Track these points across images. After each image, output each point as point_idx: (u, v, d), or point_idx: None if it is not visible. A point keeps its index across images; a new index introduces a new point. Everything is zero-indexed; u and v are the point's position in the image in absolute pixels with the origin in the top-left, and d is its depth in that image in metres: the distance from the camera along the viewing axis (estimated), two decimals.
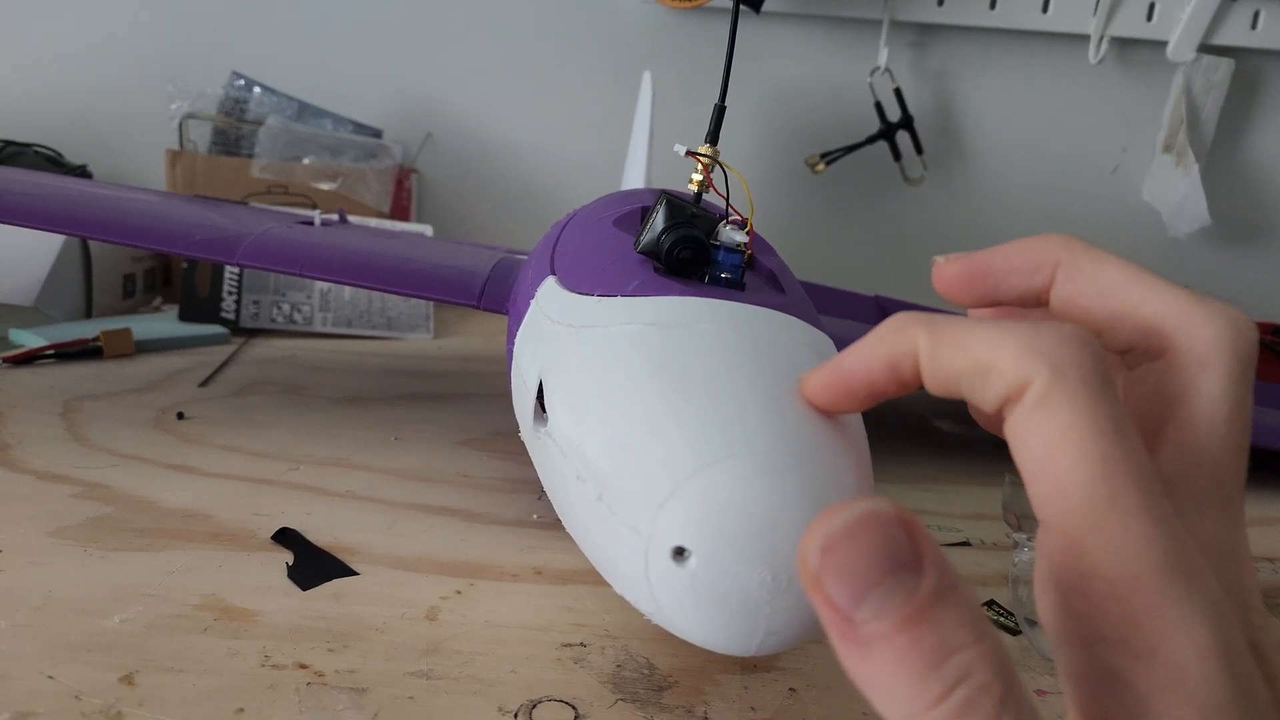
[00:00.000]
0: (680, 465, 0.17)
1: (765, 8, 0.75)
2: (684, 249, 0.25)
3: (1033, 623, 0.29)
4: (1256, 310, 0.84)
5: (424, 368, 0.61)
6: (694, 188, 0.31)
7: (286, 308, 0.69)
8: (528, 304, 0.30)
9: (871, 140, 0.82)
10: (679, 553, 0.17)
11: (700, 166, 0.31)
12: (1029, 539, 0.31)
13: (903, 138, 0.82)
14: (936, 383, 0.15)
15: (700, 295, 0.24)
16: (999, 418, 0.15)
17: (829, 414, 0.19)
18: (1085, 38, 0.80)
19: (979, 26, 0.82)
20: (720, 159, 0.32)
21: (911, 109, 0.82)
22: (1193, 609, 0.13)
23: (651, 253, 0.26)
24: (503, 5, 0.86)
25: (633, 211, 0.34)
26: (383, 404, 0.50)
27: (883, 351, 0.16)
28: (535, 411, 0.25)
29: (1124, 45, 0.82)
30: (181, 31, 0.87)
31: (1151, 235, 0.85)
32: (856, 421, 0.21)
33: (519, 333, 0.31)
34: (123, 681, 0.22)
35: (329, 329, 0.69)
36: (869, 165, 0.84)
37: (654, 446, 0.18)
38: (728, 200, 0.29)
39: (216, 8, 0.87)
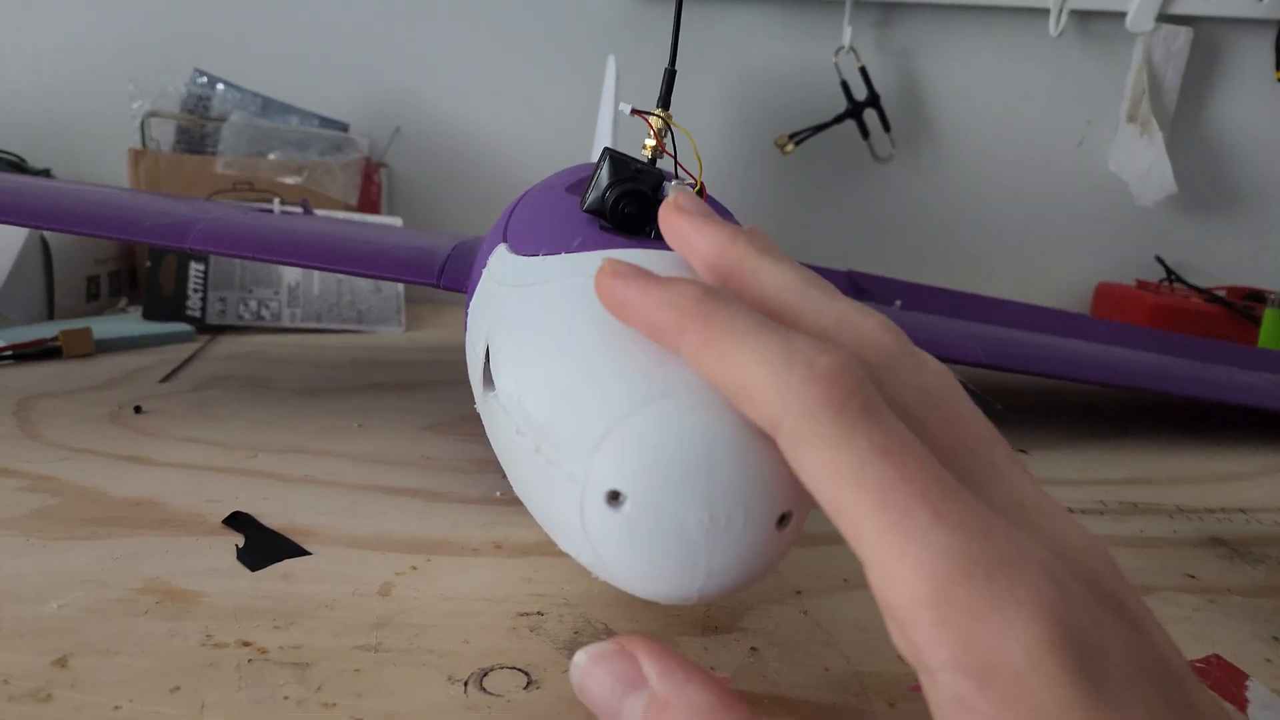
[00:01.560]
0: (614, 407, 0.17)
1: None
2: (628, 203, 0.25)
3: None
4: (1226, 274, 0.85)
5: (393, 358, 0.60)
6: (647, 152, 0.31)
7: (254, 304, 0.68)
8: (481, 274, 0.30)
9: (839, 119, 0.82)
10: (614, 497, 0.16)
11: (650, 129, 0.30)
12: None
13: (870, 116, 0.82)
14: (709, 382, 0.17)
15: (644, 248, 0.23)
16: None
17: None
18: (1045, 11, 0.80)
19: (941, 4, 0.81)
20: (672, 121, 0.31)
21: (878, 87, 0.81)
22: (1016, 607, 0.12)
23: (597, 210, 0.25)
24: None
25: (585, 179, 0.33)
26: (348, 394, 0.50)
27: (660, 320, 0.17)
28: (484, 377, 0.25)
29: (1084, 17, 0.82)
30: (142, 29, 0.86)
31: (1119, 205, 0.85)
32: None
33: (471, 303, 0.30)
34: (56, 664, 0.21)
35: (298, 324, 0.68)
36: (838, 144, 0.84)
37: (589, 391, 0.18)
38: (675, 159, 0.28)
39: (178, 4, 0.86)
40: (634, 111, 0.28)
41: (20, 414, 0.42)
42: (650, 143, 0.31)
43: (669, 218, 0.21)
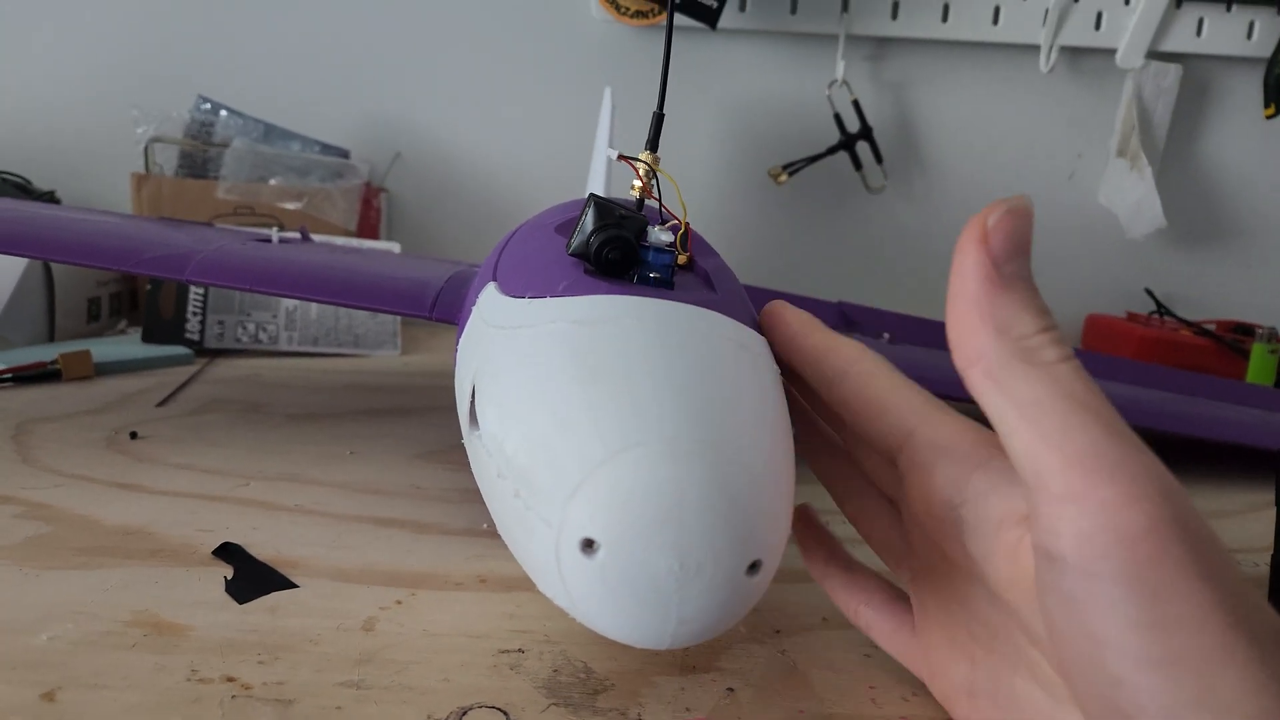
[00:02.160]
0: (589, 455, 0.17)
1: (722, 25, 0.76)
2: (612, 250, 0.25)
3: None
4: (1214, 308, 0.86)
5: (388, 383, 0.61)
6: (635, 193, 0.31)
7: (252, 327, 0.69)
8: (470, 312, 0.31)
9: (832, 151, 0.83)
10: (588, 544, 0.17)
11: (637, 173, 0.31)
12: None
13: (863, 148, 0.83)
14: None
15: (628, 293, 0.24)
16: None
17: (752, 397, 0.19)
18: (1036, 47, 0.81)
19: (933, 39, 0.83)
20: (658, 166, 0.32)
21: (870, 120, 0.83)
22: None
23: (582, 254, 0.26)
24: (469, 25, 0.86)
25: (574, 218, 0.34)
26: (342, 419, 0.50)
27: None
28: (470, 416, 0.25)
29: (1074, 54, 0.84)
30: (147, 56, 0.87)
31: (1109, 237, 0.86)
32: (778, 407, 0.21)
33: (460, 341, 0.31)
34: (44, 698, 0.22)
35: (295, 348, 0.69)
36: (831, 176, 0.85)
37: (566, 439, 0.18)
38: (660, 203, 0.29)
39: (183, 32, 0.87)
40: (620, 157, 0.29)
41: (18, 438, 0.43)
42: (638, 184, 0.31)
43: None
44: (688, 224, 0.31)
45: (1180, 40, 0.81)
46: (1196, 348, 0.75)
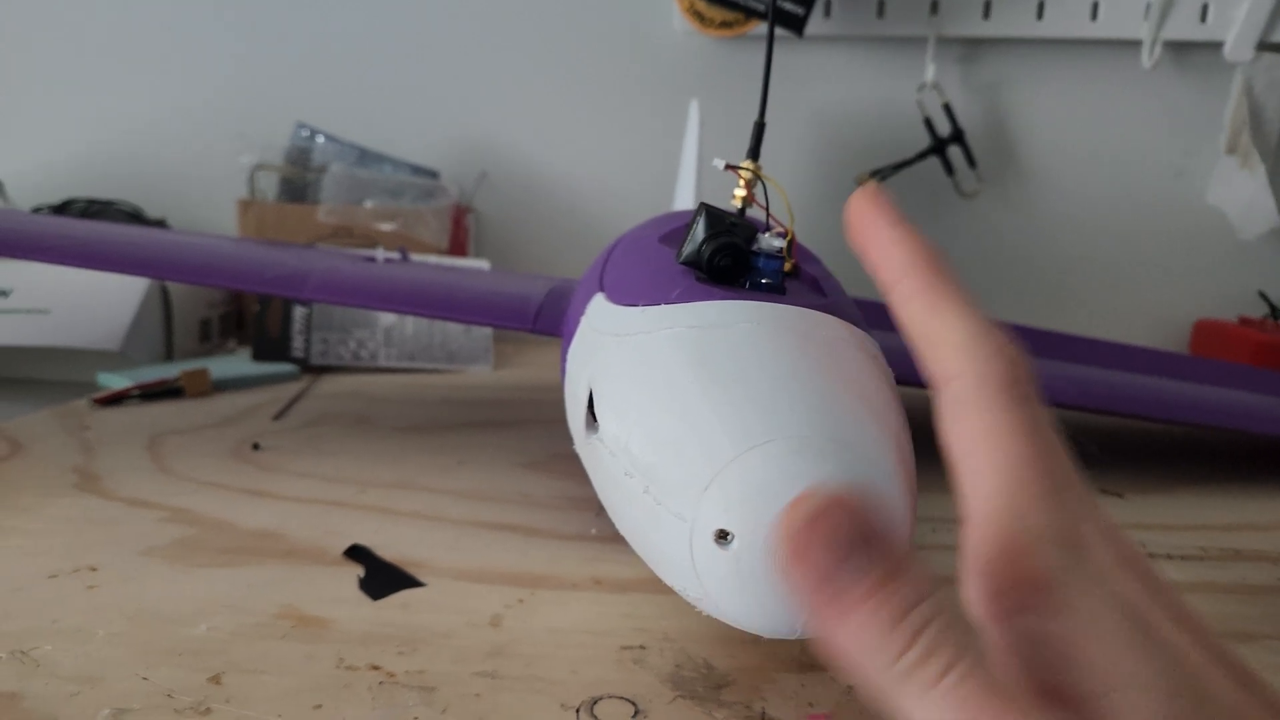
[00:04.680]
0: (719, 453, 0.18)
1: (808, 31, 0.76)
2: (724, 256, 0.26)
3: None
4: None
5: (485, 397, 0.63)
6: (737, 203, 0.32)
7: (352, 344, 0.72)
8: (579, 322, 0.32)
9: (922, 156, 0.82)
10: (722, 536, 0.17)
11: (741, 181, 0.32)
12: None
13: (955, 153, 0.82)
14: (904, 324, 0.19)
15: (741, 299, 0.24)
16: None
17: (874, 398, 0.20)
18: (1138, 43, 0.79)
19: (1027, 38, 0.81)
20: (761, 173, 0.32)
21: (962, 123, 0.81)
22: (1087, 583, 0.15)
23: (693, 262, 0.27)
24: (550, 45, 0.89)
25: (678, 229, 0.35)
26: (445, 431, 0.52)
27: (892, 253, 0.19)
28: (587, 420, 0.26)
29: (1178, 48, 0.81)
30: (248, 86, 0.92)
31: (1220, 238, 0.82)
32: (895, 407, 0.22)
33: (570, 349, 0.32)
34: (211, 682, 0.23)
35: (393, 363, 0.71)
36: (922, 181, 0.84)
37: (694, 437, 0.19)
38: (768, 211, 0.30)
39: (283, 62, 0.92)
40: (727, 166, 0.29)
41: (152, 449, 0.46)
42: (740, 193, 0.32)
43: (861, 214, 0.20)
44: (793, 231, 0.32)
45: None
46: None
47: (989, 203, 0.86)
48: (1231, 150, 0.80)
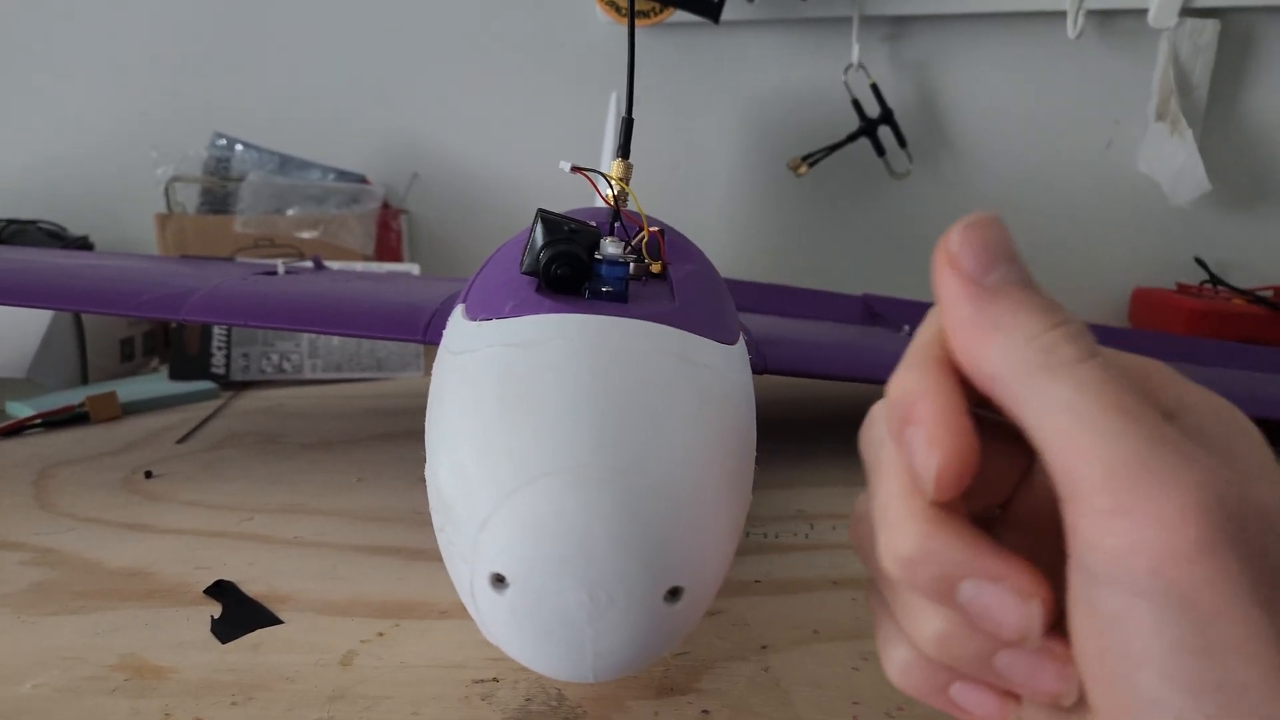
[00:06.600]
0: (500, 487, 0.17)
1: (729, 17, 0.75)
2: (561, 265, 0.25)
3: None
4: (1266, 272, 0.81)
5: (408, 405, 0.61)
6: (610, 202, 0.31)
7: (276, 358, 0.70)
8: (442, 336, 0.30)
9: (852, 138, 0.81)
10: (498, 580, 0.16)
11: (612, 180, 0.30)
12: None
13: (885, 133, 0.81)
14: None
15: (571, 311, 0.23)
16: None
17: (682, 417, 0.18)
18: (1062, 14, 0.78)
19: (952, 13, 0.80)
20: (630, 174, 0.31)
21: (892, 103, 0.80)
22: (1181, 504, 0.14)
23: (533, 272, 0.25)
24: (475, 40, 0.87)
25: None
26: (355, 446, 0.50)
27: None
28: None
29: (1103, 17, 0.80)
30: (163, 97, 0.90)
31: (1152, 206, 0.82)
32: (722, 423, 0.20)
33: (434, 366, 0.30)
34: None
35: (319, 375, 0.69)
36: (853, 164, 0.83)
37: (482, 469, 0.18)
38: (617, 208, 0.28)
39: (197, 70, 0.89)
40: (574, 169, 0.28)
41: (39, 483, 0.44)
42: (606, 192, 0.31)
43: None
44: (659, 231, 0.31)
45: None
46: (1252, 317, 0.71)
47: (922, 182, 0.85)
48: (1161, 117, 0.79)
